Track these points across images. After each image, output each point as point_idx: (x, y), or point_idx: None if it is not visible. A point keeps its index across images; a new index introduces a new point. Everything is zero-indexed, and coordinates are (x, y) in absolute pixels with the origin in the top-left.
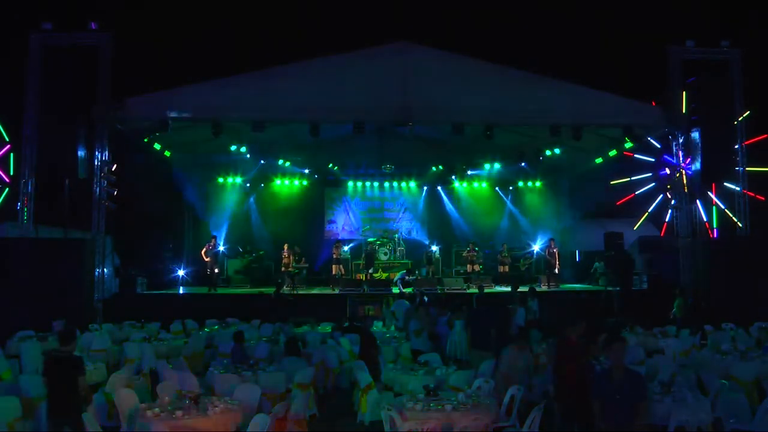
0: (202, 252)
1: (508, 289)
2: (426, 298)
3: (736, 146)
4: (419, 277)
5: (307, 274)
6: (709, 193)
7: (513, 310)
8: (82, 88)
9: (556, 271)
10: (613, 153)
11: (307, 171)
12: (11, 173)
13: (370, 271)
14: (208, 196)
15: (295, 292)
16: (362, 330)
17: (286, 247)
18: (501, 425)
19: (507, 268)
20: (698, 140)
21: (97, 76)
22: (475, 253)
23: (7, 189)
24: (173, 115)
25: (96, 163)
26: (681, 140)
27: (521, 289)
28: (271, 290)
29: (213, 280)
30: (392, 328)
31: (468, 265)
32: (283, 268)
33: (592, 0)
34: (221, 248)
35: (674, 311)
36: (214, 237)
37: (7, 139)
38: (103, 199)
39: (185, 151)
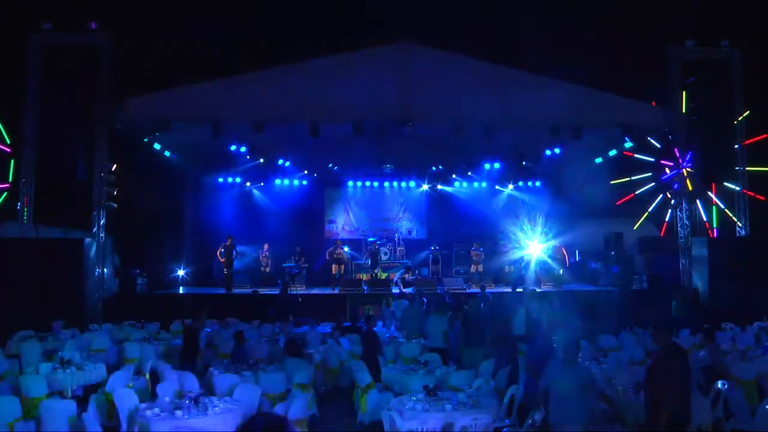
0: (218, 252)
1: (509, 289)
2: (425, 299)
3: (736, 146)
4: (419, 277)
5: (307, 274)
6: (709, 193)
7: (514, 311)
8: (82, 88)
9: (562, 271)
10: (613, 153)
11: (307, 171)
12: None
13: (376, 271)
14: (208, 196)
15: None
16: (366, 331)
17: (266, 246)
18: (501, 425)
19: (512, 268)
20: (698, 140)
21: (97, 76)
22: (480, 254)
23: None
24: (173, 115)
25: (96, 163)
26: (681, 140)
27: (519, 289)
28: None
29: (228, 280)
30: (392, 328)
31: (472, 266)
32: (262, 267)
33: (591, 0)
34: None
35: (673, 311)
36: (230, 237)
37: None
38: (103, 199)
39: (185, 151)
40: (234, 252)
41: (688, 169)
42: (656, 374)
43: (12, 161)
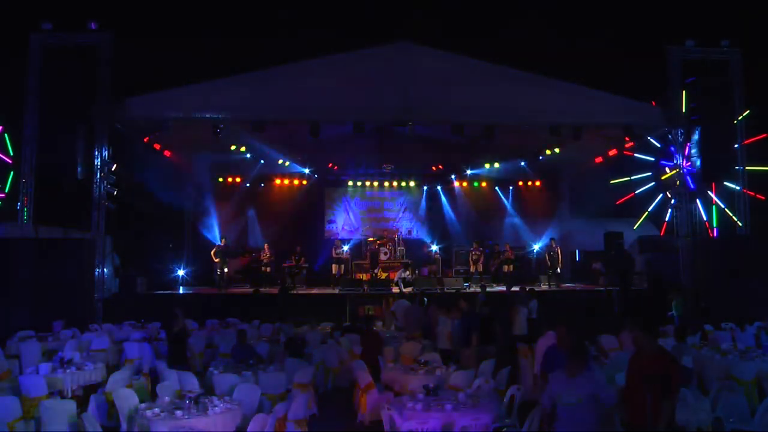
0: (212, 252)
1: (515, 288)
2: (426, 299)
3: (736, 145)
4: (419, 277)
5: (307, 274)
6: (709, 192)
7: (516, 310)
8: (82, 88)
9: (558, 270)
10: (613, 153)
11: (307, 171)
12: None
13: (376, 270)
14: (208, 196)
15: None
16: (366, 330)
17: (266, 246)
18: (501, 425)
19: (511, 268)
20: (698, 140)
21: (97, 76)
22: (479, 253)
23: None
24: (173, 115)
25: (96, 163)
26: (681, 140)
27: (514, 288)
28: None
29: (222, 280)
30: (392, 328)
31: (472, 266)
32: (263, 267)
33: (591, 0)
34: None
35: (673, 311)
36: (224, 238)
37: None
38: (103, 199)
39: (185, 151)
40: (227, 254)
41: (684, 171)
42: (639, 379)
43: (12, 172)
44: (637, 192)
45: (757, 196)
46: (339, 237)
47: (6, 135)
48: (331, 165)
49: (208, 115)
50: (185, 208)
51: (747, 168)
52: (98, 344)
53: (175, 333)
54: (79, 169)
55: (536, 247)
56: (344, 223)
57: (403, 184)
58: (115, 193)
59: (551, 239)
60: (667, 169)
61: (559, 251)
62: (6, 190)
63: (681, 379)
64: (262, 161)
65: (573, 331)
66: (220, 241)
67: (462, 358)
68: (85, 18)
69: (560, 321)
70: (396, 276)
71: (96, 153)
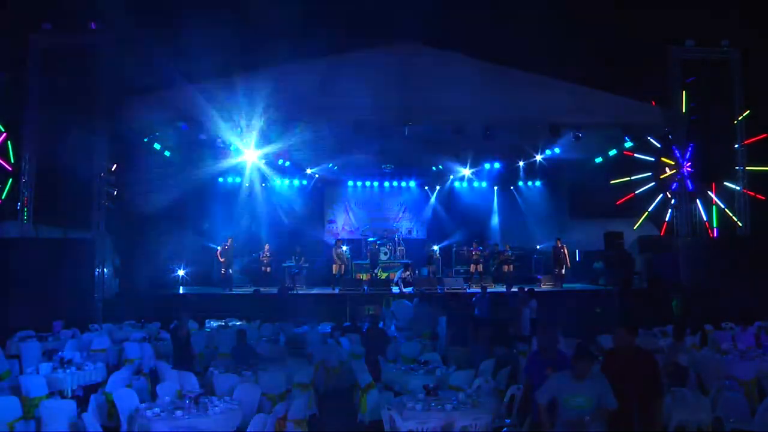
0: (218, 253)
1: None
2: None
3: (736, 146)
4: (419, 277)
5: (307, 274)
6: (709, 192)
7: (519, 310)
8: (82, 88)
9: (564, 270)
10: (613, 153)
11: (307, 171)
12: (3, 196)
13: (376, 270)
14: (208, 196)
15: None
16: (370, 328)
17: (266, 246)
18: (501, 425)
19: (511, 268)
20: (698, 140)
21: (97, 76)
22: (479, 253)
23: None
24: (173, 115)
25: (96, 163)
26: (681, 140)
27: (514, 288)
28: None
29: (228, 280)
30: (392, 328)
31: (472, 266)
32: (262, 267)
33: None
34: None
35: (673, 311)
36: (230, 238)
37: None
38: (103, 199)
39: (185, 151)
40: (233, 253)
41: (684, 171)
42: (631, 380)
43: (10, 179)
44: (637, 192)
45: (757, 196)
46: (339, 237)
47: (9, 142)
48: (331, 165)
49: (208, 115)
50: (185, 208)
51: (747, 168)
52: (98, 344)
53: (180, 337)
54: (79, 169)
55: (537, 246)
56: (344, 223)
57: (403, 184)
58: (115, 193)
59: (557, 239)
60: (667, 170)
61: (565, 251)
62: (2, 197)
63: (645, 380)
64: (263, 161)
65: (554, 333)
66: (227, 240)
67: (450, 354)
68: (85, 18)
69: (541, 323)
70: (396, 276)
71: (96, 153)
